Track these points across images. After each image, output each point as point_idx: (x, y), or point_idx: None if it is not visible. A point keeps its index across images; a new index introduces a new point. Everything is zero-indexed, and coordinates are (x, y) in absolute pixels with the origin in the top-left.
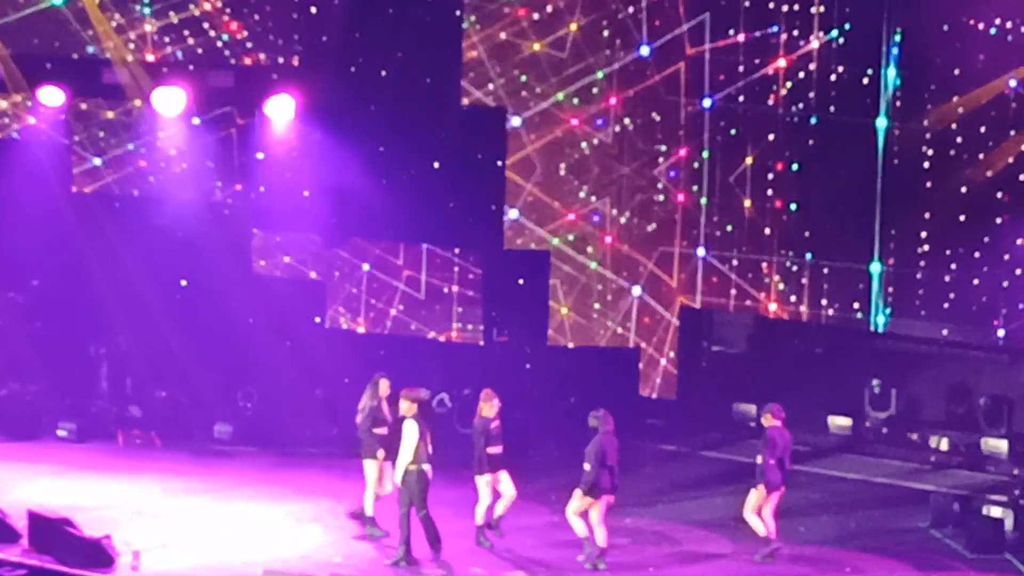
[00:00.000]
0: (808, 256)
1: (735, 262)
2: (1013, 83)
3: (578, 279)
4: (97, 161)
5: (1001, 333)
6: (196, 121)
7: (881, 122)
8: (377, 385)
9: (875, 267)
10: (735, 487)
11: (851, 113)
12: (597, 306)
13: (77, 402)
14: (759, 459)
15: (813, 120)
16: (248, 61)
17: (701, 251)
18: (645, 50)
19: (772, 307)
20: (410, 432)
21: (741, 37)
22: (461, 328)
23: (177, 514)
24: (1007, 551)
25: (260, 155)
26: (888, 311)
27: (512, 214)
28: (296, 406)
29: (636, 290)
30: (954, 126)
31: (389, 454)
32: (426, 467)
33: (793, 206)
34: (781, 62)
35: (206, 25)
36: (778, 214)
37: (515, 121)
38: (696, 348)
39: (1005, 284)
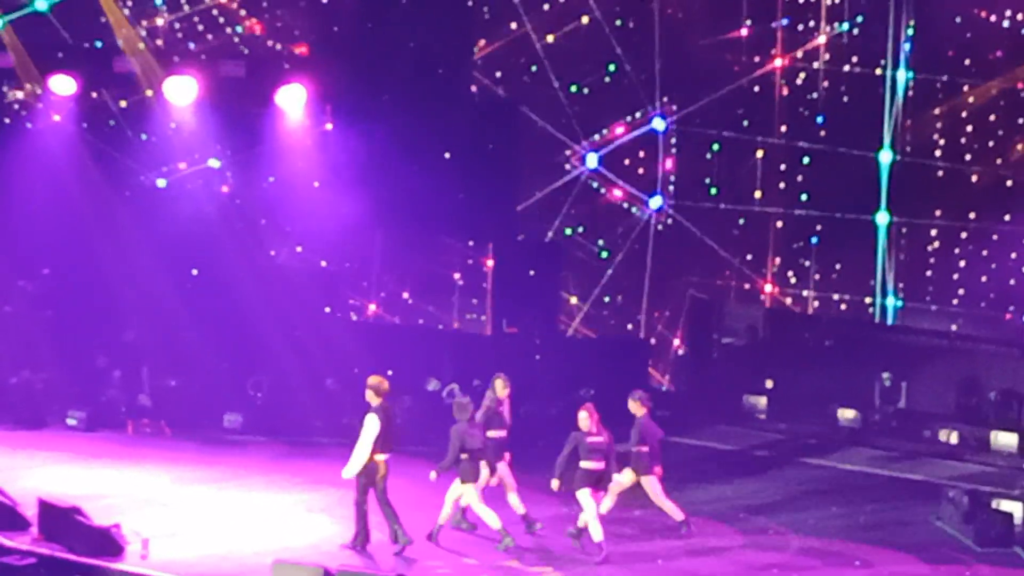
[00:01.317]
0: (814, 240)
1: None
2: None
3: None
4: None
5: None
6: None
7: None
8: (494, 386)
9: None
10: (744, 478)
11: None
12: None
13: (87, 391)
14: (631, 447)
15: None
16: (260, 52)
17: None
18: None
19: (761, 283)
20: (371, 426)
21: (744, 31)
22: (461, 318)
23: (186, 503)
24: (1016, 545)
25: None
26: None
27: None
28: (306, 396)
29: None
30: (964, 113)
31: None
32: (380, 458)
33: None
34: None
35: (216, 12)
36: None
37: None
38: (706, 340)
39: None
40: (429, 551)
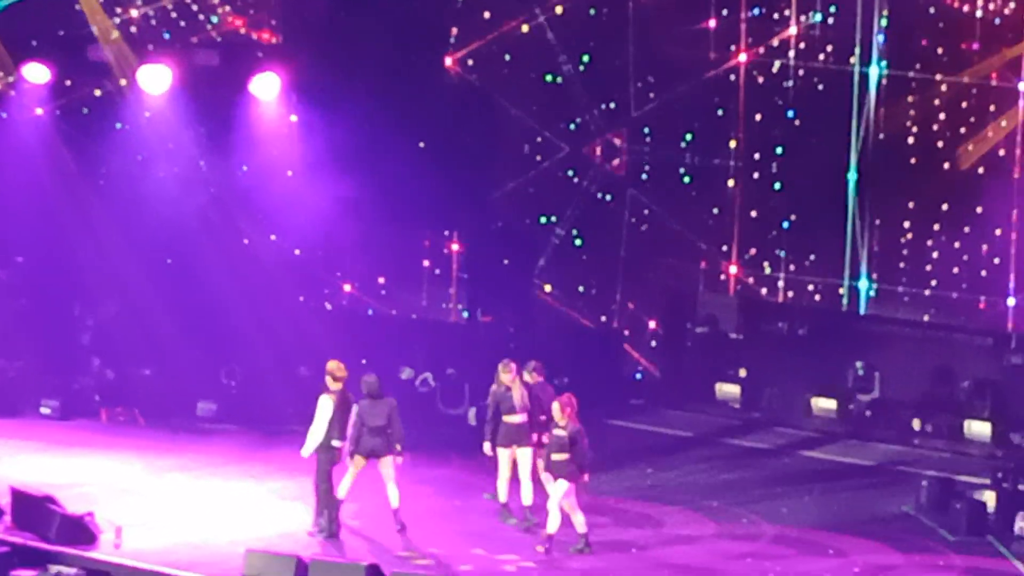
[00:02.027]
0: (785, 225)
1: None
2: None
3: None
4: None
5: (1011, 302)
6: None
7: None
8: (498, 371)
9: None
10: (717, 468)
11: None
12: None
13: (60, 379)
14: (523, 418)
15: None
16: (234, 40)
17: None
18: None
19: (732, 270)
20: (324, 408)
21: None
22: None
23: (160, 492)
24: (990, 534)
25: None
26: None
27: None
28: (280, 384)
29: None
30: (937, 101)
31: (525, 441)
32: (336, 443)
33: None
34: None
35: (189, 1)
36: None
37: None
38: (680, 329)
39: (984, 273)
40: (400, 540)
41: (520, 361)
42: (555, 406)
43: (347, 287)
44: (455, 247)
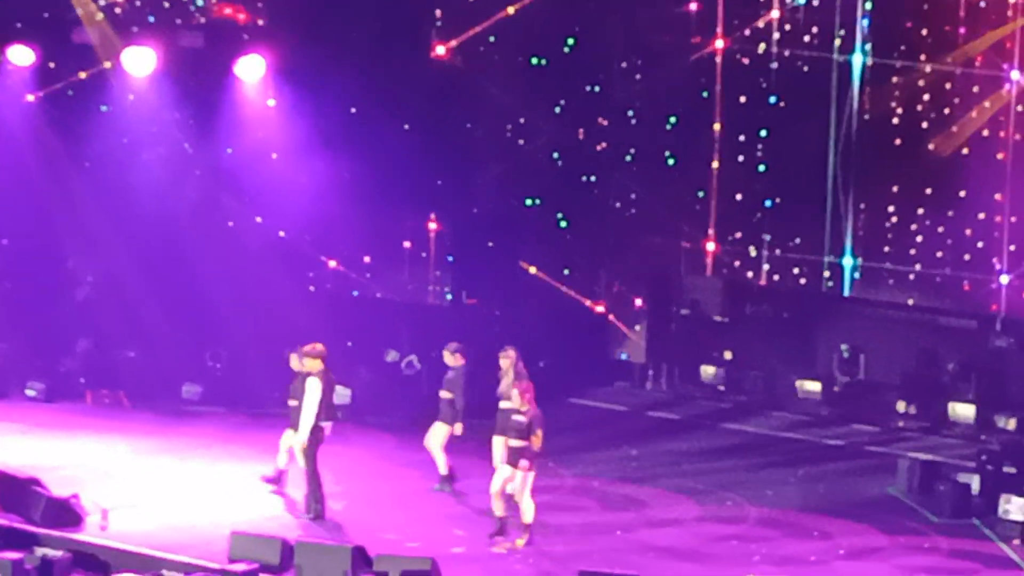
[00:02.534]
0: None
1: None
2: (1016, 75)
3: None
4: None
5: (1004, 280)
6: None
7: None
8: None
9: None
10: (702, 450)
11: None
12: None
13: (46, 362)
14: (448, 394)
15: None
16: (219, 22)
17: None
18: None
19: (710, 247)
20: (314, 390)
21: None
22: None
23: (145, 474)
24: (974, 516)
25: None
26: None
27: None
28: (265, 367)
29: None
30: (921, 83)
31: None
32: (325, 424)
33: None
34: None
35: None
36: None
37: None
38: (664, 311)
39: (968, 257)
40: (385, 523)
41: (510, 344)
42: (514, 392)
43: (332, 263)
44: (433, 227)
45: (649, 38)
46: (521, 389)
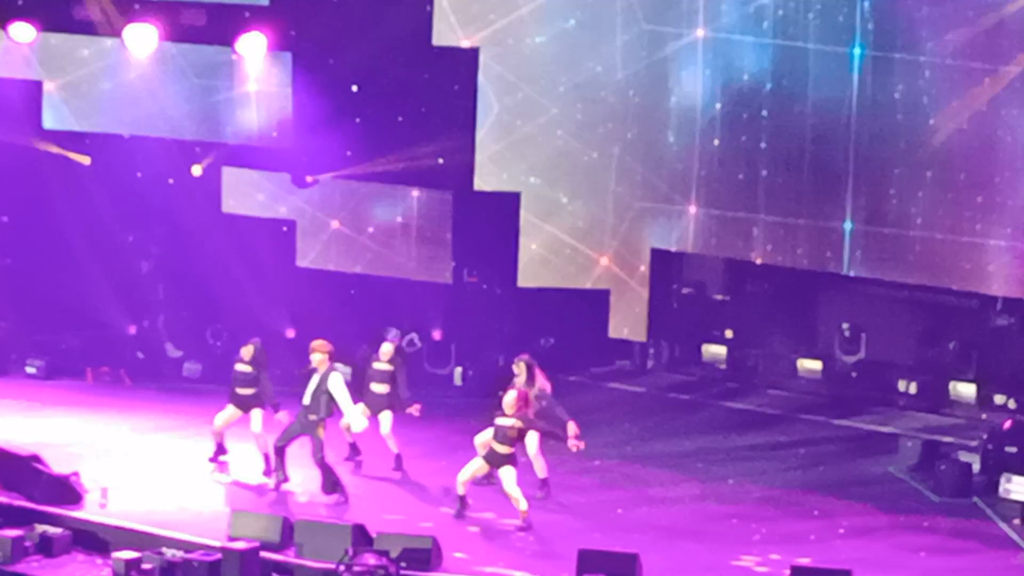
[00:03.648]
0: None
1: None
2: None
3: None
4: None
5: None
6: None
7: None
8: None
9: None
10: (703, 429)
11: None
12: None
13: (46, 339)
14: (385, 388)
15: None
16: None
17: None
18: None
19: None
20: (341, 383)
21: None
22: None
23: (146, 452)
24: (975, 495)
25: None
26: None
27: None
28: (266, 345)
29: None
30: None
31: None
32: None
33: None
34: None
35: None
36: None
37: None
38: (667, 290)
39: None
40: (386, 503)
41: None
42: (507, 399)
43: (335, 223)
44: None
45: (651, 18)
46: (517, 396)
